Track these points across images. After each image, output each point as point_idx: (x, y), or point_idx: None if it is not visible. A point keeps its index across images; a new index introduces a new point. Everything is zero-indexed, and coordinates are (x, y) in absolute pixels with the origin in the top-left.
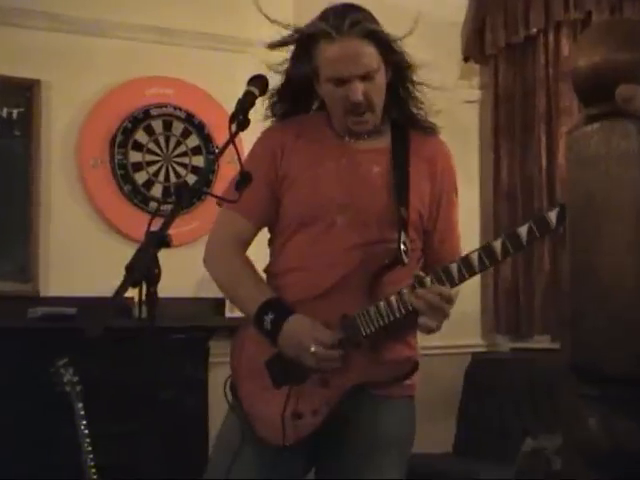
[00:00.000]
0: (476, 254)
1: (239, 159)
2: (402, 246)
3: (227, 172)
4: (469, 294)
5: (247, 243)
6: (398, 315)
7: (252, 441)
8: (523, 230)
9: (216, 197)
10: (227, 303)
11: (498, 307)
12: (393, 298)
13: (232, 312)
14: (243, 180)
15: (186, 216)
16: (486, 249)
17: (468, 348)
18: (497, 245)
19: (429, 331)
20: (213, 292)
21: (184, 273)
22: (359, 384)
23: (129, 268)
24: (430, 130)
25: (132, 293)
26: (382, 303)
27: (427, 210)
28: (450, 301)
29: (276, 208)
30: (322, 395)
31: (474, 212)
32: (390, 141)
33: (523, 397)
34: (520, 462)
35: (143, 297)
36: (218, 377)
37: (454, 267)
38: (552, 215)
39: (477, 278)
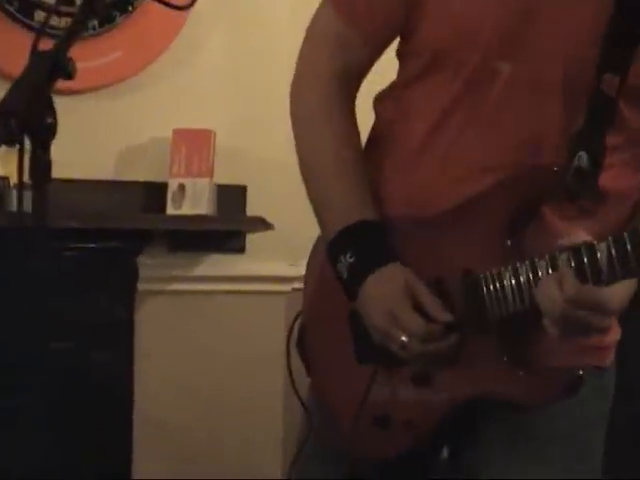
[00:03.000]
0: None
1: None
2: (579, 163)
3: None
4: None
5: (359, 76)
6: (529, 304)
7: (319, 433)
8: None
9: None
10: (170, 192)
11: None
12: (544, 263)
13: (177, 208)
14: None
15: (101, 40)
16: None
17: None
18: None
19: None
20: (148, 173)
21: (97, 139)
22: (478, 396)
23: (1, 112)
24: None
25: (5, 171)
26: (525, 266)
27: None
28: (606, 312)
29: (406, 20)
30: (421, 398)
31: None
32: None
33: None
34: None
35: (25, 171)
36: (150, 316)
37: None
38: None
39: None
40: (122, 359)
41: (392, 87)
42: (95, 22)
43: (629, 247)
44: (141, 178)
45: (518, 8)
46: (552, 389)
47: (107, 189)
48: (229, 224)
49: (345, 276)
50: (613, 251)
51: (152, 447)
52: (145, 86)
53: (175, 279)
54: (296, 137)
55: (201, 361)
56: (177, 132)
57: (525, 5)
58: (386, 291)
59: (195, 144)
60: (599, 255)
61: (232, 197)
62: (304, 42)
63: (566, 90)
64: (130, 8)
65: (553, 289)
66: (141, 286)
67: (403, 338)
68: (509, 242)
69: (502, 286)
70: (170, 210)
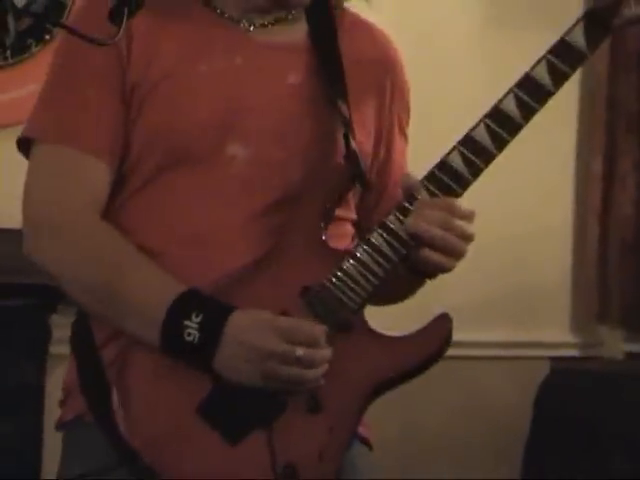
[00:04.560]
0: (482, 126)
1: None
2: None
3: None
4: (550, 252)
5: (104, 203)
6: (396, 257)
7: None
8: (540, 70)
9: (75, 32)
10: None
11: (607, 276)
12: (375, 234)
13: None
14: (125, 2)
15: (14, 71)
16: (496, 112)
17: (545, 350)
18: (509, 103)
19: (442, 269)
20: None
21: (6, 182)
22: (376, 385)
23: None
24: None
25: None
26: (362, 248)
27: (372, 150)
28: (468, 218)
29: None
30: (319, 426)
31: None
32: (307, 34)
33: None
34: None
35: None
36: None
37: (455, 157)
38: (577, 34)
39: (563, 222)
40: (30, 429)
41: (123, 198)
42: (7, 51)
43: (444, 178)
44: None
45: (252, 99)
46: (435, 340)
47: (16, 239)
48: None
49: (197, 339)
50: (432, 184)
51: None
52: None
53: None
54: (59, 263)
55: None
56: None
57: (259, 96)
58: (256, 317)
59: None
60: (453, 164)
61: None
62: (31, 180)
63: (308, 162)
64: (47, 37)
65: (425, 211)
66: (54, 348)
67: (299, 352)
68: (324, 236)
69: (347, 273)
70: None
